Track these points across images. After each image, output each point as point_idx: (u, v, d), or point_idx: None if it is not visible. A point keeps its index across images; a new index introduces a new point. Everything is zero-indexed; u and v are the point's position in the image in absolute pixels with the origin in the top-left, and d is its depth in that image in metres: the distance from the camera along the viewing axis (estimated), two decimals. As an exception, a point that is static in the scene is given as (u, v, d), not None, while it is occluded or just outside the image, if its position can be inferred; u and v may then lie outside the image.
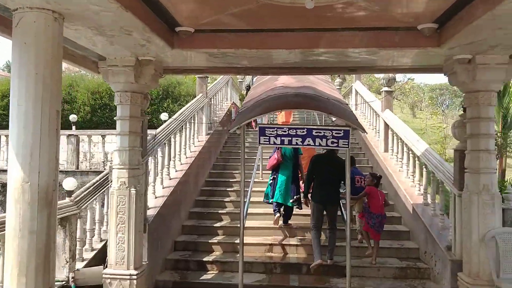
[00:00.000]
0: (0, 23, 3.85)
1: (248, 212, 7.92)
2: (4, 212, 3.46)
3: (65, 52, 4.78)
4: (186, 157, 8.90)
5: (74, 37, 4.34)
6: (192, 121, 9.56)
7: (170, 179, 7.85)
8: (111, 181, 5.60)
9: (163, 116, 8.66)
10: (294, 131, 5.38)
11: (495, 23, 3.85)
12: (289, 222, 8.02)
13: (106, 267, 5.51)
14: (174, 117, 8.38)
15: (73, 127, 13.20)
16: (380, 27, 4.66)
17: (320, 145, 5.39)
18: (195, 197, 9.07)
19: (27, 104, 3.31)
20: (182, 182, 8.10)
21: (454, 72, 5.23)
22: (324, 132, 5.32)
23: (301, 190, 7.84)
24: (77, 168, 11.21)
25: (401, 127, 9.01)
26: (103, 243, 6.30)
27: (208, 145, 10.26)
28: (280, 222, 7.99)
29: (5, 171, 9.54)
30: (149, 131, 6.84)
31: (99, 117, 14.56)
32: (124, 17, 3.69)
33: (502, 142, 8.99)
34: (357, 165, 8.49)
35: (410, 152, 8.27)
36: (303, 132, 5.36)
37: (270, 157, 8.23)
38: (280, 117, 12.66)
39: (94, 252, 6.13)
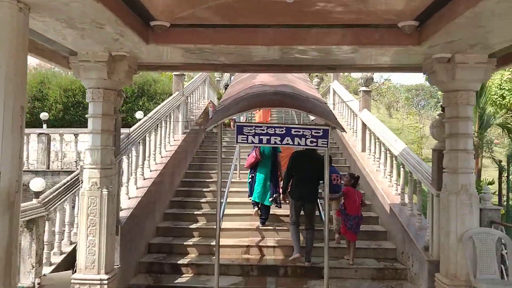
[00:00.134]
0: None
1: (224, 213, 7.78)
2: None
3: (34, 46, 4.56)
4: (162, 157, 8.67)
5: (42, 30, 4.10)
6: (168, 119, 9.34)
7: (145, 179, 7.63)
8: (82, 182, 5.36)
9: (138, 114, 8.43)
10: (273, 130, 5.27)
11: (476, 21, 3.81)
12: (266, 223, 7.91)
13: (75, 271, 5.27)
14: (149, 115, 8.15)
15: (44, 126, 12.76)
16: (361, 24, 4.58)
17: (299, 144, 5.29)
18: (170, 198, 8.86)
19: (-13, 99, 3.08)
20: (157, 182, 7.88)
21: (434, 71, 5.21)
22: (303, 131, 5.22)
23: (279, 189, 7.74)
24: (48, 168, 10.82)
25: (378, 127, 9.01)
26: (73, 246, 6.02)
27: (184, 145, 10.05)
28: (258, 223, 7.89)
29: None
30: (123, 130, 6.61)
31: (72, 116, 14.12)
32: (95, 8, 3.49)
33: (479, 142, 9.10)
34: (334, 165, 8.47)
35: (387, 152, 8.26)
36: (282, 131, 5.26)
37: (248, 155, 8.11)
38: (258, 116, 12.56)
39: (63, 256, 5.85)
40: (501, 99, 14.21)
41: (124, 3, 3.88)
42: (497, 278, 4.88)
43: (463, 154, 5.10)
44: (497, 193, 8.44)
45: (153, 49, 4.91)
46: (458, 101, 5.15)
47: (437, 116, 5.95)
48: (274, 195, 7.77)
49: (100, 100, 5.13)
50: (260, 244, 7.37)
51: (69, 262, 5.73)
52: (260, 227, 7.83)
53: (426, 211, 6.16)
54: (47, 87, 14.62)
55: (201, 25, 4.62)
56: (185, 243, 7.37)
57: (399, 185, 7.64)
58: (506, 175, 8.63)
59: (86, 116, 5.37)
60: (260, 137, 5.25)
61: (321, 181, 6.65)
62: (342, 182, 7.54)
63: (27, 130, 8.32)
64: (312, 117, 8.17)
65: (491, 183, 9.09)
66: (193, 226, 7.94)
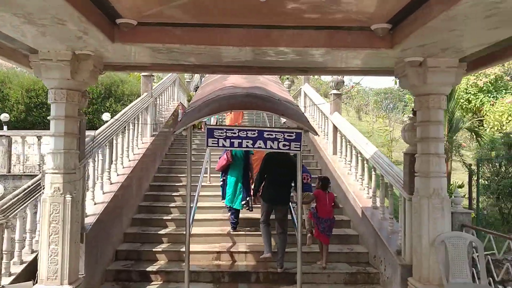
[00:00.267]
0: None
1: (195, 218, 7.62)
2: None
3: (-9, 43, 4.28)
4: (129, 160, 8.40)
5: (-1, 25, 3.84)
6: (136, 121, 9.06)
7: (112, 183, 7.34)
8: (43, 187, 5.07)
9: (105, 116, 8.11)
10: (245, 133, 5.14)
11: (450, 25, 3.79)
12: (238, 227, 7.77)
13: (37, 282, 4.97)
14: (116, 117, 7.86)
15: (5, 127, 12.21)
16: (334, 26, 4.50)
17: (271, 148, 5.18)
18: (138, 203, 8.59)
19: None
20: (125, 186, 7.61)
21: (405, 75, 5.20)
22: (275, 135, 5.12)
23: (252, 193, 7.62)
24: (9, 171, 10.35)
25: (349, 130, 9.02)
26: (34, 255, 5.70)
27: (153, 147, 9.78)
28: (229, 228, 7.74)
29: None
30: (88, 132, 6.35)
31: (34, 117, 13.55)
32: (55, 3, 3.27)
33: (449, 145, 9.25)
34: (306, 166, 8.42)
35: (359, 155, 8.27)
36: (254, 134, 5.14)
37: (219, 158, 7.95)
38: (229, 118, 12.39)
39: (24, 265, 5.53)
40: (467, 103, 14.61)
41: (88, -2, 3.68)
42: (469, 281, 4.89)
43: (434, 158, 5.11)
44: (466, 196, 8.58)
45: (120, 48, 4.69)
46: (430, 105, 5.15)
47: (408, 120, 5.96)
48: (247, 198, 7.63)
49: (63, 101, 4.85)
50: (232, 249, 7.22)
51: (30, 272, 5.41)
52: (231, 232, 7.68)
53: (398, 215, 6.16)
54: (8, 87, 14.01)
55: (170, 24, 4.44)
56: (154, 249, 7.15)
57: (371, 188, 7.65)
58: (476, 178, 8.79)
59: (48, 118, 5.08)
60: (232, 140, 5.11)
61: (293, 184, 6.60)
62: (311, 181, 7.61)
63: (-15, 133, 7.90)
64: (283, 120, 8.09)
65: (460, 186, 9.25)
66: (162, 231, 7.72)
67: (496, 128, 12.47)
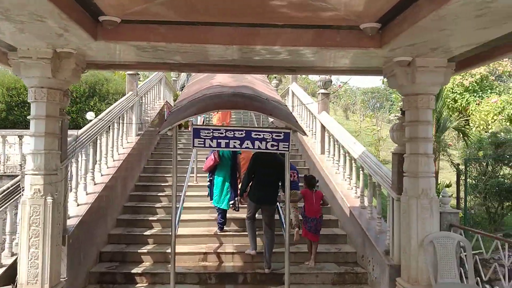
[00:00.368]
0: None
1: (181, 218, 7.51)
2: None
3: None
4: (114, 160, 8.23)
5: (-27, 21, 3.68)
6: (121, 121, 8.89)
7: (95, 184, 7.18)
8: (23, 189, 4.91)
9: (89, 115, 7.92)
10: (232, 133, 5.05)
11: (439, 24, 3.75)
12: (225, 228, 7.68)
13: (16, 286, 4.82)
14: (100, 116, 7.70)
15: (-15, 126, 11.91)
16: (323, 25, 4.43)
17: (259, 148, 5.10)
18: (123, 203, 8.43)
19: None
20: (109, 187, 7.46)
21: (394, 74, 5.17)
22: (263, 135, 5.04)
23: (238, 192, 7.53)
24: (-10, 171, 10.08)
25: (337, 129, 8.97)
26: (14, 258, 5.53)
27: (138, 147, 9.63)
28: (216, 228, 7.65)
29: None
30: (71, 132, 6.19)
31: (16, 116, 13.22)
32: (33, -1, 3.13)
33: (437, 145, 9.27)
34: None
35: (346, 154, 8.23)
36: (242, 134, 5.05)
37: (206, 158, 7.84)
38: (217, 117, 12.27)
39: (3, 269, 5.34)
40: (453, 102, 14.70)
41: (68, -6, 3.54)
42: (458, 281, 4.87)
43: (423, 158, 5.08)
44: (454, 195, 8.61)
45: (103, 46, 4.56)
46: (418, 105, 5.13)
47: (397, 120, 5.92)
48: (235, 199, 7.54)
49: (43, 100, 4.69)
50: (219, 250, 7.13)
51: (10, 276, 5.23)
52: (218, 233, 7.58)
53: (386, 214, 6.14)
54: (-13, 85, 13.68)
55: (155, 22, 4.32)
56: (139, 250, 7.02)
57: (359, 187, 7.62)
58: (463, 178, 8.82)
59: (28, 117, 4.92)
60: (219, 140, 5.01)
61: (280, 184, 6.55)
62: (298, 178, 7.62)
63: (-36, 132, 7.69)
64: (271, 119, 8.03)
65: (448, 185, 9.29)
66: (148, 232, 7.59)
67: (482, 127, 12.58)
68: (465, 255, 5.05)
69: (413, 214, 5.07)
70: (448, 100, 13.45)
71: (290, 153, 5.45)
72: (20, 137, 10.07)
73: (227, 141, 5.01)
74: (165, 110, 12.64)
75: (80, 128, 7.25)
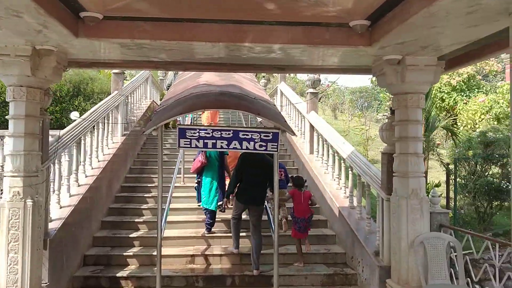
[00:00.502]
0: None
1: (168, 220, 7.38)
2: None
3: None
4: (99, 161, 8.04)
5: None
6: (106, 121, 8.70)
7: (79, 185, 6.99)
8: (1, 191, 4.73)
9: (73, 115, 7.70)
10: (219, 133, 4.92)
11: (430, 21, 3.68)
12: (212, 229, 7.56)
13: (-5, 293, 4.65)
14: (84, 116, 7.51)
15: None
16: (311, 22, 4.33)
17: (247, 148, 4.98)
18: (109, 205, 8.25)
19: None
20: (94, 188, 7.28)
21: (383, 73, 5.11)
22: (251, 135, 4.92)
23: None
24: (-29, 173, 9.80)
25: (326, 129, 8.90)
26: (-6, 263, 5.36)
27: (124, 147, 9.44)
28: (203, 230, 7.52)
29: None
30: (54, 132, 6.01)
31: (-3, 116, 12.96)
32: (9, -8, 2.98)
33: (427, 144, 9.26)
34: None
35: (335, 154, 8.16)
36: (229, 134, 4.92)
37: (194, 160, 7.71)
38: (206, 117, 12.14)
39: (-18, 274, 5.18)
40: (440, 102, 14.76)
41: (46, -11, 3.39)
42: (448, 283, 4.82)
43: (413, 157, 5.02)
44: (443, 195, 8.60)
45: (85, 43, 4.41)
46: (408, 104, 5.07)
47: (386, 119, 5.86)
48: (224, 199, 7.41)
49: (23, 99, 4.53)
50: (206, 252, 7.00)
51: (-11, 282, 5.07)
52: (206, 234, 7.45)
53: (375, 215, 6.07)
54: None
55: (139, 18, 4.18)
56: (124, 253, 6.86)
57: (348, 188, 7.55)
58: (453, 177, 8.81)
59: (6, 117, 4.74)
60: (205, 141, 4.88)
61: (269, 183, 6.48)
62: (284, 176, 7.58)
63: None
64: (260, 119, 7.93)
65: (437, 185, 9.28)
66: (134, 234, 7.42)
67: (469, 126, 12.64)
68: (456, 256, 5.00)
69: (403, 214, 5.00)
70: (436, 99, 13.50)
71: (279, 153, 5.36)
72: (2, 137, 9.80)
73: (214, 141, 4.88)
74: (152, 109, 12.45)
75: (64, 128, 7.05)
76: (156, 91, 14.89)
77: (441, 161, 9.90)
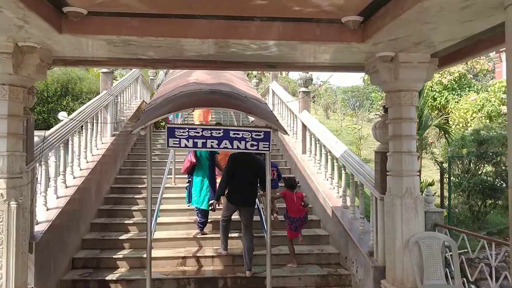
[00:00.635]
0: None
1: (159, 221, 7.27)
2: None
3: None
4: (87, 162, 7.88)
5: None
6: (95, 121, 8.54)
7: (67, 187, 6.83)
8: (-16, 194, 4.57)
9: (61, 115, 7.56)
10: (209, 132, 4.80)
11: (424, 17, 3.60)
12: (205, 230, 7.45)
13: (-22, 299, 4.49)
14: (71, 116, 7.35)
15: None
16: (302, 18, 4.23)
17: (238, 148, 4.87)
18: (98, 206, 8.09)
19: None
20: (82, 189, 7.12)
21: (376, 70, 5.03)
22: (242, 134, 4.81)
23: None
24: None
25: (319, 129, 8.81)
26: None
27: (113, 148, 9.28)
28: (195, 231, 7.41)
29: None
30: (41, 133, 5.86)
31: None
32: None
33: (420, 143, 9.21)
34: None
35: (328, 153, 8.07)
36: (219, 133, 4.81)
37: (185, 159, 7.59)
38: (197, 116, 12.01)
39: (-35, 280, 5.02)
40: (432, 101, 14.75)
41: (27, -18, 3.25)
42: (444, 283, 4.74)
43: (407, 156, 4.94)
44: (437, 194, 8.55)
45: (70, 40, 4.27)
46: (402, 102, 4.99)
47: (380, 117, 5.78)
48: (214, 201, 7.30)
49: (5, 98, 4.36)
50: (198, 254, 6.89)
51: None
52: (198, 236, 7.32)
53: (369, 214, 5.99)
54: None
55: (125, 14, 4.05)
56: (114, 256, 6.71)
57: (341, 187, 7.47)
58: (447, 176, 8.76)
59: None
60: (195, 140, 4.76)
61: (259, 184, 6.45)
62: (276, 176, 7.56)
63: None
64: (251, 118, 7.84)
65: (431, 184, 9.23)
66: (124, 236, 7.28)
67: (461, 125, 12.62)
68: (451, 255, 4.93)
69: (397, 214, 4.92)
70: (428, 98, 13.49)
71: (271, 153, 5.26)
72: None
73: (204, 140, 4.77)
74: (143, 109, 12.29)
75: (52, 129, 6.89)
76: (147, 91, 14.73)
77: (435, 160, 9.84)
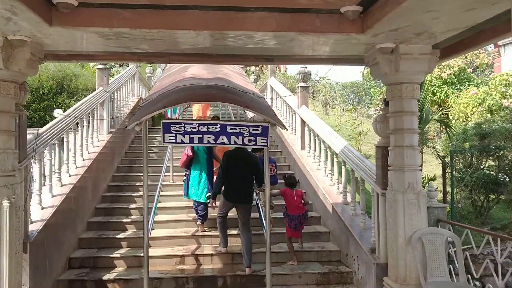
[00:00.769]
0: None
1: (158, 219, 7.16)
2: None
3: None
4: (83, 159, 7.76)
5: None
6: (91, 117, 8.41)
7: (62, 185, 6.71)
8: (-24, 192, 4.45)
9: (56, 112, 7.44)
10: (206, 127, 4.68)
11: (425, 5, 3.48)
12: (204, 227, 7.34)
13: (-30, 301, 4.38)
14: (66, 113, 7.22)
15: None
16: (300, 8, 4.10)
17: (235, 143, 4.74)
18: (95, 205, 7.97)
19: None
20: (78, 188, 7.01)
21: (376, 62, 4.91)
22: (240, 129, 4.68)
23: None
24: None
25: (318, 124, 8.69)
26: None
27: (110, 145, 9.15)
28: (193, 229, 7.31)
29: None
30: (33, 130, 5.73)
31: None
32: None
33: (421, 137, 9.08)
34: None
35: (328, 149, 7.96)
36: (216, 128, 4.68)
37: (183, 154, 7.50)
38: (196, 110, 11.91)
39: (-42, 281, 4.91)
40: (432, 95, 14.62)
41: (14, -29, 3.12)
42: (448, 280, 4.63)
43: (409, 150, 4.82)
44: (439, 189, 8.43)
45: (61, 33, 4.14)
46: (403, 95, 4.87)
47: (380, 111, 5.66)
48: (210, 200, 7.19)
49: (-5, 94, 4.25)
50: (197, 252, 6.77)
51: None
52: (197, 234, 7.22)
53: (370, 211, 5.87)
54: None
55: (118, 5, 3.92)
56: (111, 255, 6.60)
57: (341, 183, 7.35)
58: (449, 171, 8.64)
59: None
60: (191, 136, 4.63)
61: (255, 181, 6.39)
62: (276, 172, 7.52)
63: None
64: (250, 114, 7.71)
65: (432, 179, 9.11)
66: (121, 235, 7.16)
67: (461, 119, 12.51)
68: (455, 251, 4.81)
69: (399, 209, 4.81)
70: (427, 93, 13.36)
71: (269, 150, 5.15)
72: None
73: (201, 136, 4.64)
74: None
75: (47, 126, 6.76)
76: (144, 88, 14.59)
77: (437, 154, 9.71)
